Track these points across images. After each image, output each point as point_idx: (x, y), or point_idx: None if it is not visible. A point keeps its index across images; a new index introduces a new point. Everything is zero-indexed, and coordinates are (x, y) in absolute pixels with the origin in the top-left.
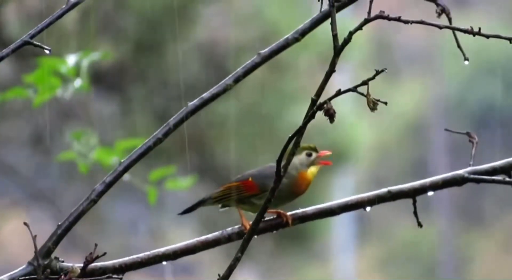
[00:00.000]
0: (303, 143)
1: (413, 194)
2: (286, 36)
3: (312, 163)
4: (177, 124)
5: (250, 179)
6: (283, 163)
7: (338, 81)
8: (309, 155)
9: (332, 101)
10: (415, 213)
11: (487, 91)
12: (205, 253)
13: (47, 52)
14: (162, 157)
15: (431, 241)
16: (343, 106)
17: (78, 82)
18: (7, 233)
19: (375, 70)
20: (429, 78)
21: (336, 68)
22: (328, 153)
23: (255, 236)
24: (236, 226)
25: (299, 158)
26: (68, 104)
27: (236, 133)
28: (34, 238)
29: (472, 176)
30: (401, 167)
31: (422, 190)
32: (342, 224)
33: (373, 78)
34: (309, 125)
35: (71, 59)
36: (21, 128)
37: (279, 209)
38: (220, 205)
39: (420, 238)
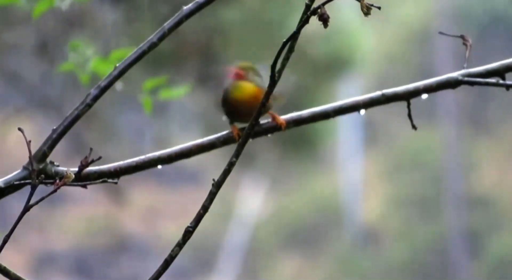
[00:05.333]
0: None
1: (407, 96)
2: None
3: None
4: (172, 29)
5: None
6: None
7: None
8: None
9: (337, 10)
10: (409, 115)
11: (493, 0)
12: (212, 161)
13: None
14: (167, 65)
15: (438, 147)
16: (348, 14)
17: None
18: (11, 141)
19: None
20: None
21: None
22: (232, 70)
23: (251, 140)
24: (230, 130)
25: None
26: (73, 11)
27: (240, 40)
28: (28, 143)
29: (466, 78)
30: (406, 75)
31: (416, 92)
32: (348, 131)
33: None
34: (313, 34)
35: None
36: (26, 36)
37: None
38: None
39: (427, 145)
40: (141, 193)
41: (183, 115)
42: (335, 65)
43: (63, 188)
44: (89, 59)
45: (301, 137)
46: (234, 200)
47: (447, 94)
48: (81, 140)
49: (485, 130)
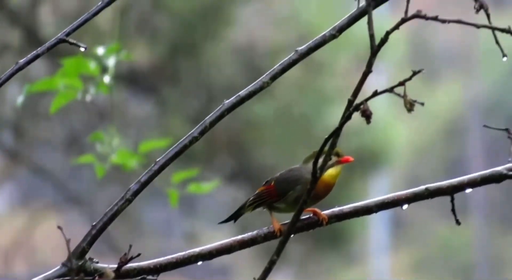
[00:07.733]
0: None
1: (451, 191)
2: (323, 33)
3: (330, 166)
4: (213, 122)
5: (272, 183)
6: (319, 164)
7: (375, 81)
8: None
9: (369, 102)
10: (453, 210)
11: None
12: (241, 256)
13: (83, 50)
14: (198, 159)
15: (467, 242)
16: (379, 107)
17: (107, 79)
18: (41, 235)
19: (412, 70)
20: (466, 78)
21: (373, 68)
22: (350, 159)
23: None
24: (271, 226)
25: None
26: (103, 105)
27: (272, 134)
28: (67, 241)
29: (511, 172)
30: (438, 168)
31: (460, 187)
32: (377, 225)
33: (409, 79)
34: (345, 126)
35: (99, 51)
36: (55, 130)
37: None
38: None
39: (456, 240)
40: None
41: (212, 210)
42: (367, 160)
43: None
44: (115, 150)
45: (332, 230)
46: None
47: (477, 189)
48: (108, 234)
49: None
